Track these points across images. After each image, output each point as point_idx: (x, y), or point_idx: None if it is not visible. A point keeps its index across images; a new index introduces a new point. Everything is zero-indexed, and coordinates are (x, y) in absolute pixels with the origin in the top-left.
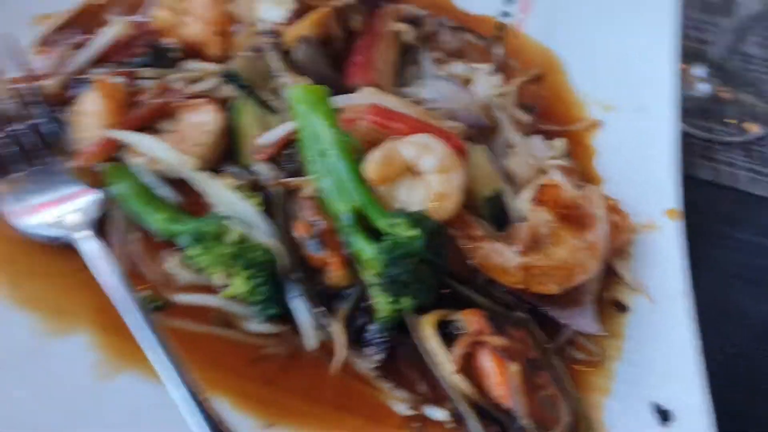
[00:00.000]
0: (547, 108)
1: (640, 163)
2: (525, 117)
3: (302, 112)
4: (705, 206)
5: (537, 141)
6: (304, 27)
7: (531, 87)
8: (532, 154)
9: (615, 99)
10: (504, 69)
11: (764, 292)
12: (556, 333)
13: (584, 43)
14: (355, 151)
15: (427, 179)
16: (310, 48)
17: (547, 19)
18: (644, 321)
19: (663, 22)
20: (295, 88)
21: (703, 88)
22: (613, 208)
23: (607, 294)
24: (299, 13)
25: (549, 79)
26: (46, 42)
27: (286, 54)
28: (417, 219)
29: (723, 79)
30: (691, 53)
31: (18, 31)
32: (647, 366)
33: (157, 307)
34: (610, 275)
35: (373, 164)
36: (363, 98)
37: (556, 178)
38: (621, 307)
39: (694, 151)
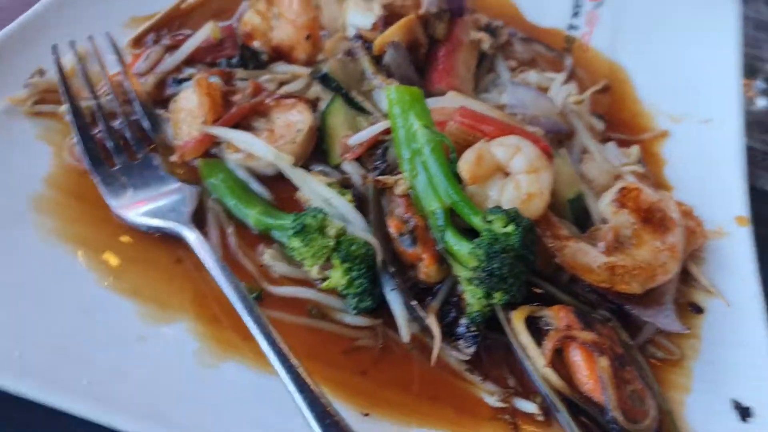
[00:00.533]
0: (615, 117)
1: (708, 172)
2: (599, 124)
3: (398, 112)
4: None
5: (612, 147)
6: (393, 33)
7: (600, 97)
8: (608, 160)
9: (682, 110)
10: (574, 79)
11: None
12: (637, 332)
13: (649, 56)
14: (448, 151)
15: (517, 179)
16: (398, 53)
17: (612, 32)
18: (719, 322)
19: (726, 36)
20: (392, 89)
21: (762, 103)
22: (688, 214)
23: (683, 297)
24: (385, 21)
25: (616, 90)
26: (140, 43)
27: (375, 58)
28: (512, 216)
29: None
30: (747, 69)
31: (114, 32)
32: (724, 365)
33: (254, 298)
34: (685, 278)
35: (466, 164)
36: (451, 101)
37: (638, 183)
38: (697, 309)
39: (755, 162)
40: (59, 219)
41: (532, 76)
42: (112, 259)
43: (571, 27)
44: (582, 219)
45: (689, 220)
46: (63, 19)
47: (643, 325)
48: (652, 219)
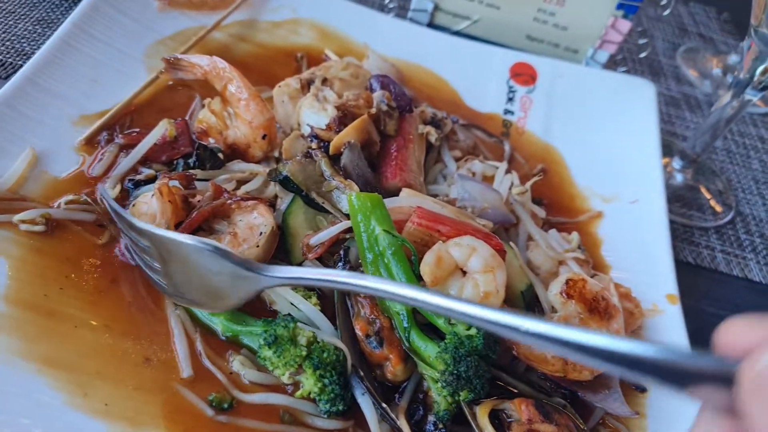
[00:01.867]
0: (554, 199)
1: (639, 251)
2: (540, 212)
3: (360, 218)
4: (691, 288)
5: (554, 234)
6: (349, 133)
7: (537, 181)
8: (551, 247)
9: (611, 191)
10: (513, 164)
11: None
12: (588, 413)
13: (579, 139)
14: (409, 253)
15: (474, 278)
16: (354, 153)
17: (545, 116)
18: (662, 401)
19: (646, 119)
20: (354, 196)
21: (679, 178)
22: (626, 296)
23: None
24: (341, 120)
25: (553, 172)
26: (92, 142)
27: (332, 158)
28: None
29: (695, 171)
30: (665, 145)
31: (64, 130)
32: None
33: (227, 406)
34: None
35: (427, 266)
36: (408, 201)
37: (576, 270)
38: (640, 388)
39: (677, 236)
40: (22, 338)
41: (476, 165)
42: (81, 376)
43: (507, 111)
44: (532, 308)
45: (627, 301)
46: (15, 113)
47: (593, 408)
48: (597, 308)
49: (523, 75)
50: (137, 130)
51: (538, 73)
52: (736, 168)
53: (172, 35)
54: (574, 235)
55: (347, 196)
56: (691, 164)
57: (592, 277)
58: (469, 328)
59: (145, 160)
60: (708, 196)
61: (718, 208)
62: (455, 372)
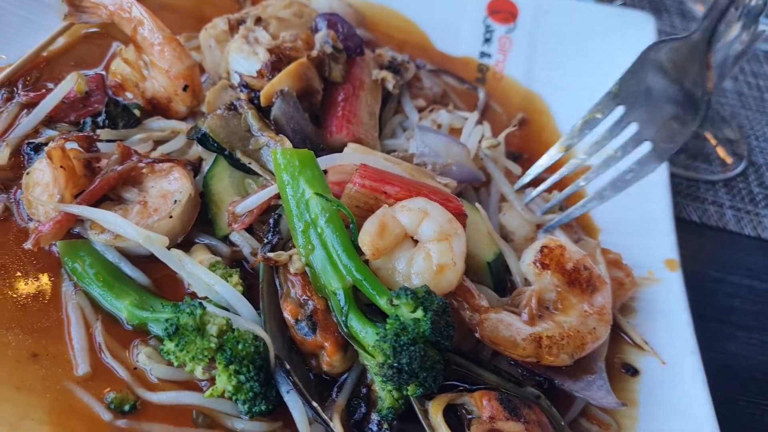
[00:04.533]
0: (534, 152)
1: (636, 210)
2: (515, 168)
3: (287, 179)
4: (695, 250)
5: (532, 193)
6: (282, 80)
7: (516, 131)
8: (528, 209)
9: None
10: (488, 114)
11: (763, 340)
12: (568, 402)
13: (566, 83)
14: (347, 220)
15: (427, 248)
16: (288, 103)
17: (527, 59)
18: (656, 385)
19: None
20: (278, 152)
21: None
22: (616, 264)
23: (616, 356)
24: (273, 66)
25: (534, 122)
26: None
27: (263, 111)
28: (420, 297)
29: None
30: None
31: None
32: None
33: (128, 408)
34: (616, 335)
35: (367, 236)
36: (349, 158)
37: (560, 239)
38: (632, 371)
39: (679, 190)
40: None
41: (443, 116)
42: None
43: (483, 54)
44: (503, 280)
45: (618, 270)
46: None
47: (575, 397)
48: (579, 279)
49: (502, 12)
50: (45, 85)
51: (519, 9)
52: (749, 113)
53: None
54: (555, 195)
55: (272, 154)
56: None
57: (576, 242)
58: (414, 310)
59: (50, 121)
60: (716, 144)
61: (728, 159)
62: (396, 365)
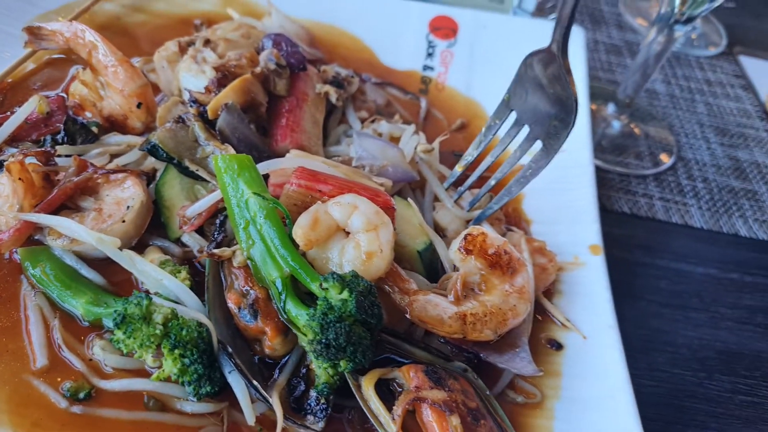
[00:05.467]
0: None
1: (564, 202)
2: (447, 172)
3: (228, 181)
4: (626, 238)
5: (458, 192)
6: (226, 95)
7: (458, 135)
8: (457, 206)
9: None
10: (429, 119)
11: (687, 316)
12: (496, 378)
13: (503, 90)
14: (283, 216)
15: (357, 238)
16: (232, 115)
17: (467, 70)
18: (578, 357)
19: (573, 66)
20: (219, 158)
21: (616, 126)
22: (540, 250)
23: (542, 333)
24: (219, 82)
25: (474, 126)
26: None
27: (210, 123)
28: (347, 280)
29: (633, 116)
30: (603, 94)
31: None
32: (585, 401)
33: (83, 396)
34: (543, 315)
35: (300, 228)
36: (289, 162)
37: (482, 228)
38: (556, 345)
39: (612, 185)
40: None
41: (383, 126)
42: None
43: (427, 68)
44: (434, 268)
45: (541, 256)
46: None
47: (502, 371)
48: (500, 262)
49: (443, 29)
50: (11, 109)
51: (459, 25)
52: (680, 113)
53: (57, 9)
54: (483, 191)
55: (213, 159)
56: (625, 109)
57: (504, 234)
58: (341, 291)
59: (13, 140)
60: (647, 142)
61: (658, 155)
62: (324, 340)
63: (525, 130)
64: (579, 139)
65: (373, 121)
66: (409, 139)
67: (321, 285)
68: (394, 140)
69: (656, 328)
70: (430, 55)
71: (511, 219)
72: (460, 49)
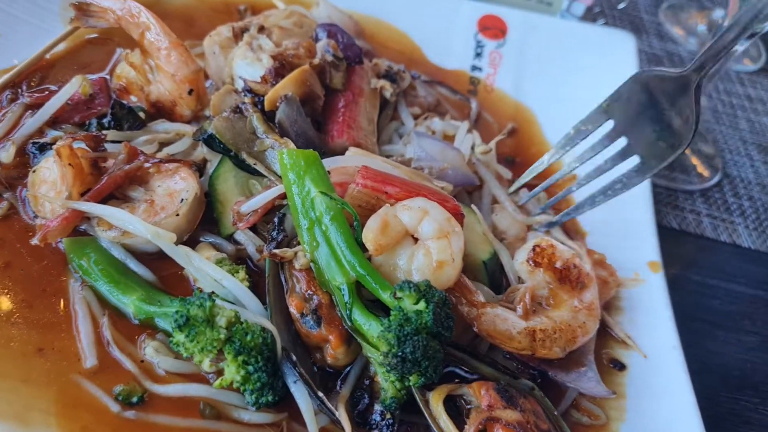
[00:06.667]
0: (524, 160)
1: (619, 215)
2: (506, 173)
3: (293, 178)
4: (676, 255)
5: (524, 196)
6: (286, 86)
7: (507, 140)
8: (519, 209)
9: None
10: (479, 123)
11: (739, 339)
12: (558, 398)
13: (552, 95)
14: (350, 218)
15: (427, 245)
16: (292, 107)
17: (516, 73)
18: (642, 378)
19: (626, 76)
20: (285, 153)
21: None
22: (601, 263)
23: (603, 351)
24: (276, 72)
25: (523, 132)
26: None
27: (267, 114)
28: (423, 291)
29: None
30: None
31: None
32: (651, 425)
33: (136, 400)
34: (603, 331)
35: (371, 233)
36: (352, 160)
37: (551, 239)
38: (619, 366)
39: (660, 199)
40: None
41: (436, 123)
42: None
43: (475, 68)
44: (497, 279)
45: (601, 269)
46: None
47: (564, 390)
48: (569, 276)
49: (492, 29)
50: (48, 87)
51: (508, 26)
52: (722, 128)
53: None
54: (542, 197)
55: (278, 154)
56: None
57: (565, 242)
58: (417, 302)
59: (55, 122)
60: (693, 157)
61: (704, 171)
62: (399, 354)
63: (621, 142)
64: None
65: (425, 118)
66: (464, 138)
67: (395, 294)
68: (448, 138)
69: (709, 349)
70: (478, 55)
71: (568, 230)
72: (508, 50)
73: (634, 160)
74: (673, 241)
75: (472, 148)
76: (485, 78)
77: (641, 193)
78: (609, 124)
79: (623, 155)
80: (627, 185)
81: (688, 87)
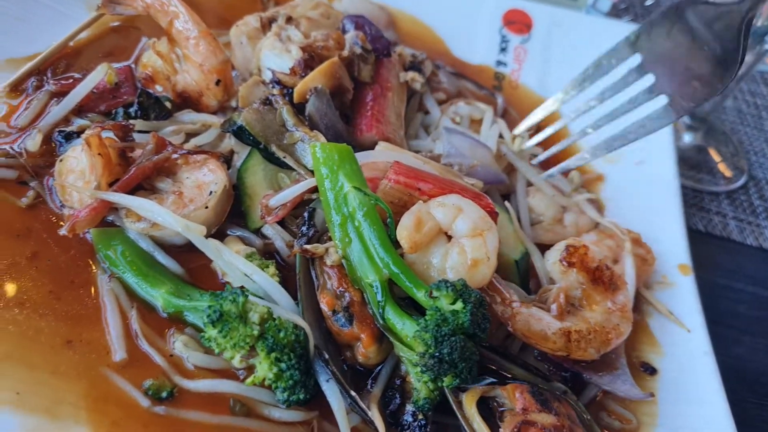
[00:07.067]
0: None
1: (647, 217)
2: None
3: (326, 172)
4: (702, 257)
5: (556, 176)
6: (315, 78)
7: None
8: (556, 187)
9: (615, 152)
10: (506, 118)
11: (766, 343)
12: (585, 401)
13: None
14: (383, 214)
15: (461, 244)
16: (322, 100)
17: (541, 69)
18: (674, 383)
19: None
20: (318, 147)
21: (687, 138)
22: (637, 242)
23: (633, 356)
24: (305, 64)
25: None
26: (18, 89)
27: (296, 107)
28: (460, 290)
29: (705, 132)
30: None
31: None
32: (683, 429)
33: (166, 395)
34: (634, 334)
35: (405, 230)
36: (383, 155)
37: (584, 240)
38: (650, 370)
39: (686, 200)
40: None
41: (462, 107)
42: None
43: (500, 63)
44: (526, 279)
45: (638, 247)
46: None
47: (590, 394)
48: (602, 277)
49: (517, 23)
50: (73, 75)
51: (533, 21)
52: (747, 129)
53: None
54: (574, 175)
55: (311, 148)
56: (701, 123)
57: (596, 227)
58: (454, 302)
59: (80, 110)
60: (718, 158)
61: (729, 172)
62: (437, 354)
63: (648, 79)
64: (662, 150)
65: (451, 104)
66: (489, 130)
67: (431, 293)
68: (475, 123)
69: (737, 355)
70: (503, 50)
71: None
72: (533, 45)
73: (660, 101)
74: (700, 244)
75: (501, 136)
76: (510, 74)
77: (669, 195)
78: (635, 59)
79: (648, 94)
80: (650, 129)
81: (736, 20)
